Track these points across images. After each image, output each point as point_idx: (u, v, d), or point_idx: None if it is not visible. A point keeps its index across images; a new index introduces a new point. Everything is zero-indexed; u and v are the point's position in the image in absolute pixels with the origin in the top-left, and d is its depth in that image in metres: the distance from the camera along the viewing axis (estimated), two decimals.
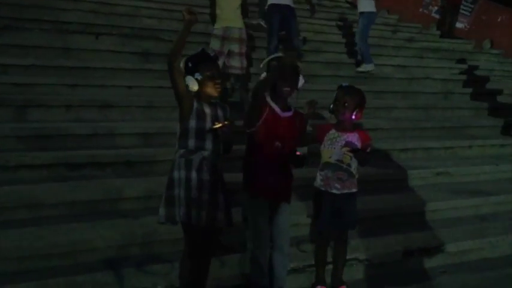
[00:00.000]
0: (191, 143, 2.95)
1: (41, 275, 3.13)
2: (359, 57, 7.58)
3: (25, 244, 3.26)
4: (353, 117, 3.38)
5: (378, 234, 4.22)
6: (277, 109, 3.19)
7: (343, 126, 3.40)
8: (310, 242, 3.76)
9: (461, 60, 9.16)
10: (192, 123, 2.94)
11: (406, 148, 5.72)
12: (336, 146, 3.37)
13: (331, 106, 3.40)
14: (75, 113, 4.77)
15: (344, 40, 8.52)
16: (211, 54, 3.06)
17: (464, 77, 8.40)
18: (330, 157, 3.36)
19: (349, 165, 3.38)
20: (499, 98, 7.90)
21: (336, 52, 8.01)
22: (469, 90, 7.96)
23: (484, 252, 4.43)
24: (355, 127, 3.50)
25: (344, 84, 3.46)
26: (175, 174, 2.95)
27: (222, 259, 3.35)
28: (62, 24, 6.26)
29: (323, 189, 3.40)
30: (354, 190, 3.44)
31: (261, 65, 3.25)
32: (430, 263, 4.16)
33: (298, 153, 3.19)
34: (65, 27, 6.24)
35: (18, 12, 6.10)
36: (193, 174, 2.92)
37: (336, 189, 3.38)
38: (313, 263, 3.60)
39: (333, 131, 3.41)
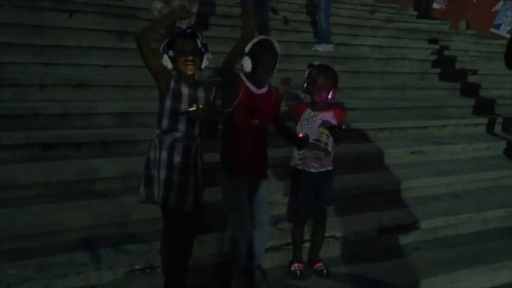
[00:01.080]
0: (165, 123, 2.93)
1: (16, 256, 3.11)
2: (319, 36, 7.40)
3: None
4: (329, 97, 3.40)
5: (354, 212, 4.28)
6: (252, 87, 3.19)
7: (318, 106, 3.43)
8: (288, 220, 3.79)
9: (438, 41, 9.23)
10: (168, 103, 2.91)
11: (382, 128, 5.78)
12: (312, 125, 3.40)
13: (305, 86, 3.41)
14: (49, 93, 4.66)
15: None
16: (187, 31, 2.97)
17: (440, 57, 8.48)
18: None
19: (326, 144, 3.42)
20: (473, 78, 8.01)
21: (314, 32, 7.98)
22: (445, 70, 8.04)
23: (456, 228, 4.54)
24: (330, 105, 3.52)
25: (315, 63, 3.47)
26: (152, 154, 2.94)
27: (200, 238, 3.36)
28: (34, 1, 6.09)
29: (300, 168, 3.43)
30: (330, 168, 3.50)
31: (246, 47, 3.17)
32: (404, 239, 4.25)
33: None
34: (38, 5, 6.07)
35: None
36: (164, 155, 2.89)
37: (314, 168, 3.42)
38: (290, 241, 3.65)
39: (308, 111, 3.42)
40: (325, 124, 3.39)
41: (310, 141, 3.38)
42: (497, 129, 6.74)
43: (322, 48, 7.20)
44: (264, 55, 3.12)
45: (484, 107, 7.13)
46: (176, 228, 3.02)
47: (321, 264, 3.60)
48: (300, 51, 7.03)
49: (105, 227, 3.51)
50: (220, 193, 3.32)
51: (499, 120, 6.79)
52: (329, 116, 3.43)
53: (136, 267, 3.21)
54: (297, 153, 3.45)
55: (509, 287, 3.98)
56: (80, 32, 5.78)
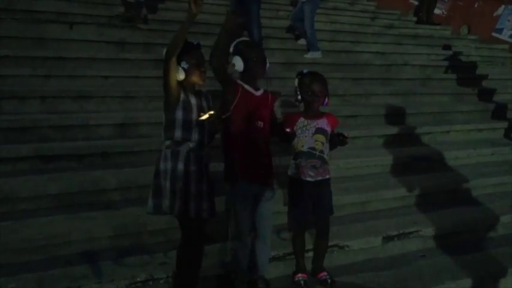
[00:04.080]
0: (178, 134, 2.93)
1: (17, 269, 3.08)
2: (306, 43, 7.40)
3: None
4: (324, 104, 3.42)
5: (357, 220, 4.24)
6: (250, 89, 3.19)
7: (312, 113, 3.41)
8: (289, 230, 3.74)
9: (439, 46, 9.22)
10: (179, 114, 2.93)
11: (384, 134, 5.75)
12: (306, 134, 3.38)
13: (298, 97, 3.39)
14: (50, 104, 4.66)
15: (325, 27, 8.50)
16: (194, 43, 3.02)
17: (442, 62, 8.45)
18: (302, 146, 3.37)
19: (321, 151, 3.40)
20: (476, 83, 7.98)
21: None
22: (447, 75, 8.02)
23: (463, 235, 4.47)
24: (323, 112, 3.49)
25: (304, 70, 3.45)
26: (162, 165, 2.93)
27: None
28: (34, 14, 6.11)
29: (297, 177, 3.41)
30: (328, 176, 3.46)
31: (231, 50, 3.20)
32: (409, 247, 4.19)
33: (346, 134, 3.26)
34: (38, 17, 6.09)
35: None
36: (180, 166, 2.90)
37: (310, 176, 3.39)
38: (292, 250, 3.60)
39: (301, 120, 3.41)
40: (319, 131, 3.37)
41: (305, 149, 3.36)
42: (502, 134, 6.70)
43: (310, 55, 7.21)
44: (251, 49, 3.18)
45: (488, 112, 7.09)
46: (196, 236, 3.00)
47: (325, 273, 3.55)
48: (303, 59, 7.01)
49: (106, 239, 3.48)
50: (222, 203, 3.27)
51: (503, 125, 6.74)
52: (323, 123, 3.41)
53: (138, 279, 3.18)
54: (293, 163, 3.43)
55: None
56: (80, 43, 5.79)
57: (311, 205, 3.42)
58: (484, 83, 8.01)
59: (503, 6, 10.63)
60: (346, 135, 3.33)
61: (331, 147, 3.43)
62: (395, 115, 6.26)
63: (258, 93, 3.24)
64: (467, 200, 5.04)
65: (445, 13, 11.27)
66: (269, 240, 3.35)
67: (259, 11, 6.59)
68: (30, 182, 3.72)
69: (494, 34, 10.51)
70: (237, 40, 3.21)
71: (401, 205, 4.71)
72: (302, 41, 7.49)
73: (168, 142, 2.95)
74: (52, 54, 5.30)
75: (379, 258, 4.02)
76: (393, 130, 5.85)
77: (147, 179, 3.09)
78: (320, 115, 3.44)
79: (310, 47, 7.28)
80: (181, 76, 2.93)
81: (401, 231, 4.20)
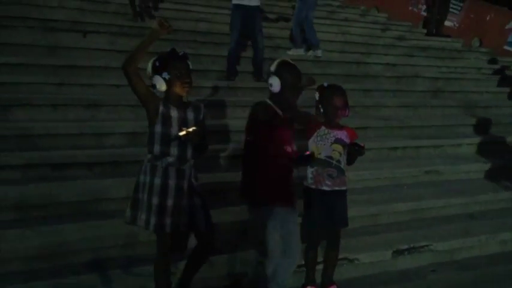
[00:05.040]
0: (156, 148, 2.89)
1: (26, 277, 3.09)
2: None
3: (8, 246, 3.20)
4: (346, 115, 3.42)
5: (366, 234, 4.21)
6: (278, 111, 3.18)
7: (333, 124, 3.43)
8: (301, 241, 3.72)
9: (451, 59, 9.19)
10: (158, 128, 2.87)
11: (395, 147, 5.72)
12: (325, 142, 3.39)
13: (320, 107, 3.40)
14: (62, 112, 4.69)
15: (335, 38, 8.51)
16: (180, 54, 2.94)
17: (453, 75, 8.42)
18: (319, 153, 3.37)
19: (338, 161, 3.39)
20: (488, 96, 7.93)
21: (327, 50, 7.97)
22: (458, 88, 7.98)
23: (473, 250, 4.43)
24: (342, 125, 3.50)
25: (325, 84, 3.47)
26: (141, 178, 2.91)
27: (210, 260, 3.31)
28: (48, 22, 6.18)
29: (313, 186, 3.40)
30: (344, 188, 3.45)
31: (271, 67, 3.19)
32: (419, 261, 4.15)
33: (362, 144, 3.26)
34: (51, 25, 6.16)
35: (3, 10, 6.01)
36: (157, 181, 2.86)
37: (327, 186, 3.38)
38: (303, 263, 3.58)
39: (323, 128, 3.42)
40: (338, 141, 3.38)
41: (323, 157, 3.36)
42: None
43: (292, 52, 7.29)
44: (291, 75, 3.15)
45: (499, 125, 7.03)
46: (169, 249, 2.99)
47: (335, 287, 3.53)
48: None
49: (115, 248, 3.49)
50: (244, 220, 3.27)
51: None
52: (342, 135, 3.42)
53: None
54: (309, 172, 3.42)
55: None
56: (93, 52, 5.84)
57: (324, 216, 3.40)
58: (496, 96, 7.95)
59: None
60: (361, 145, 3.33)
61: (350, 161, 3.44)
62: (405, 127, 6.24)
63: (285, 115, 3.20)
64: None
65: (457, 25, 11.24)
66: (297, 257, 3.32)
67: (261, 22, 6.57)
68: (40, 190, 3.73)
69: (506, 47, 10.45)
70: (281, 59, 3.19)
71: (412, 218, 4.66)
72: (289, 51, 7.40)
73: (149, 156, 2.92)
74: (65, 63, 5.35)
75: (389, 271, 3.98)
76: (403, 143, 5.82)
77: None
78: (340, 127, 3.46)
79: (293, 44, 7.42)
80: (162, 87, 2.87)
81: (411, 245, 4.16)
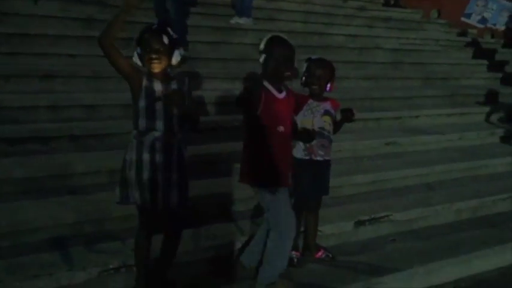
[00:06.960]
0: (142, 123, 2.81)
1: None
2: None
3: None
4: (327, 89, 3.52)
5: (328, 205, 4.26)
6: (274, 91, 3.09)
7: (318, 97, 3.54)
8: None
9: (410, 30, 9.28)
10: (142, 102, 2.79)
11: (356, 118, 5.74)
12: (316, 114, 3.50)
13: (303, 79, 3.49)
14: (14, 84, 4.46)
15: (299, 8, 8.42)
16: (153, 27, 2.82)
17: (412, 46, 8.53)
18: (312, 125, 3.43)
19: (329, 132, 3.55)
20: (445, 68, 8.09)
21: (289, 20, 7.90)
22: (417, 60, 8.10)
23: (430, 219, 4.57)
24: (326, 97, 3.60)
25: (313, 57, 3.56)
26: (128, 155, 2.84)
27: (191, 232, 3.36)
28: None
29: (307, 157, 3.49)
30: (329, 158, 3.62)
31: (261, 45, 3.08)
32: (380, 232, 4.26)
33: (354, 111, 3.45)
34: None
35: None
36: (145, 156, 2.80)
37: (320, 156, 3.52)
38: None
39: (311, 101, 3.51)
40: (327, 113, 3.52)
41: (316, 129, 3.43)
42: (470, 119, 6.83)
43: (243, 21, 7.01)
44: (283, 47, 3.07)
45: (456, 97, 7.21)
46: (153, 226, 2.95)
47: (323, 250, 3.74)
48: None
49: (76, 225, 3.39)
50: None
51: (471, 110, 6.87)
52: (328, 107, 3.55)
53: (111, 266, 3.10)
54: (302, 144, 3.47)
55: (482, 277, 4.03)
56: (45, 19, 5.56)
57: (315, 185, 3.54)
58: (453, 68, 8.13)
59: None
60: (353, 111, 3.50)
61: (336, 129, 3.61)
62: (367, 99, 6.30)
63: (281, 95, 3.11)
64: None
65: None
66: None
67: None
68: None
69: (463, 19, 10.64)
70: (271, 35, 3.11)
71: (372, 189, 4.76)
72: (239, 20, 7.10)
73: (134, 132, 2.85)
74: (16, 31, 5.08)
75: (351, 242, 4.06)
76: (364, 115, 5.88)
77: (117, 163, 2.99)
78: (325, 99, 3.57)
79: (242, 11, 7.04)
80: (137, 62, 2.81)
81: (372, 216, 4.25)
